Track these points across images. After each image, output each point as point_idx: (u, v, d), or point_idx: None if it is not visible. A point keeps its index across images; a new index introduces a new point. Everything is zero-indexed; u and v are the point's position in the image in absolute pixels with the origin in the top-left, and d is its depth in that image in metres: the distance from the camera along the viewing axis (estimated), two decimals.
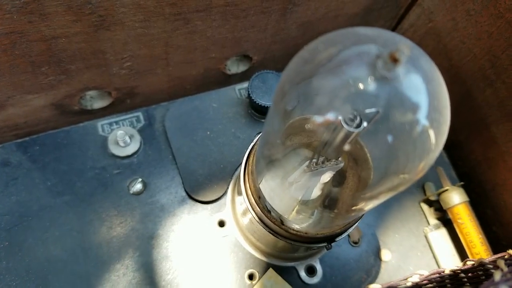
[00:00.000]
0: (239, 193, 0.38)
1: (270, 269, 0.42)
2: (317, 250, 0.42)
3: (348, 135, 0.25)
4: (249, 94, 0.46)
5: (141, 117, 0.49)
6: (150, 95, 0.51)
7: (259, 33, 0.48)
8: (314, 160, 0.29)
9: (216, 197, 0.45)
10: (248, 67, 0.54)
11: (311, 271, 0.44)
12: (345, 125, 0.24)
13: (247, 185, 0.34)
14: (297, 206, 0.33)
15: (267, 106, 0.46)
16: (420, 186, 0.51)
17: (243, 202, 0.35)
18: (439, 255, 0.46)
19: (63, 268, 0.41)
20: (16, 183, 0.45)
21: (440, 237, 0.48)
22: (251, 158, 0.35)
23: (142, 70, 0.46)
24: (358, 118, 0.23)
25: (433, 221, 0.49)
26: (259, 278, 0.42)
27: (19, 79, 0.41)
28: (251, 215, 0.34)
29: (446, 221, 0.49)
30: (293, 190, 0.32)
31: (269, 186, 0.32)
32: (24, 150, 0.46)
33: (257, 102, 0.46)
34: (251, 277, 0.43)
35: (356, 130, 0.24)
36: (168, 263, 0.43)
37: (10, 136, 0.48)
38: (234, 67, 0.54)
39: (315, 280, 0.43)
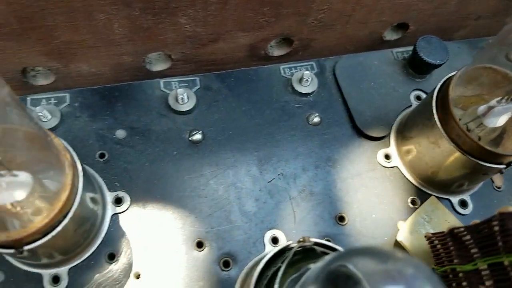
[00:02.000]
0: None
1: (432, 197, 0.50)
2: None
3: None
4: (415, 52, 0.54)
5: (314, 66, 0.58)
6: (319, 50, 0.60)
7: (425, 3, 0.56)
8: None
9: (383, 135, 0.53)
10: (401, 36, 0.62)
11: (463, 203, 0.51)
12: None
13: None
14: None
15: (431, 64, 0.54)
16: None
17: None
18: None
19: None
20: (217, 105, 0.54)
21: None
22: None
23: (327, 24, 0.55)
24: None
25: None
26: (420, 204, 0.50)
27: (244, 15, 0.50)
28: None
29: None
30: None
31: None
32: (222, 80, 0.55)
33: (423, 59, 0.54)
34: (413, 202, 0.50)
35: None
36: (340, 183, 0.51)
37: (203, 70, 0.57)
38: (389, 35, 0.62)
39: (466, 211, 0.51)
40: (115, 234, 0.46)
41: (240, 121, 0.53)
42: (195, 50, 0.53)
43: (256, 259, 0.46)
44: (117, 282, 0.45)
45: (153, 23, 0.47)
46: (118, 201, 0.47)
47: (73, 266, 0.45)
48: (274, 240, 0.48)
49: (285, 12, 0.51)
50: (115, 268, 0.45)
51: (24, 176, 0.34)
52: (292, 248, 0.35)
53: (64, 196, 0.35)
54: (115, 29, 0.47)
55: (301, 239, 0.35)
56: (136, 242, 0.46)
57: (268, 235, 0.48)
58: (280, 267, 0.34)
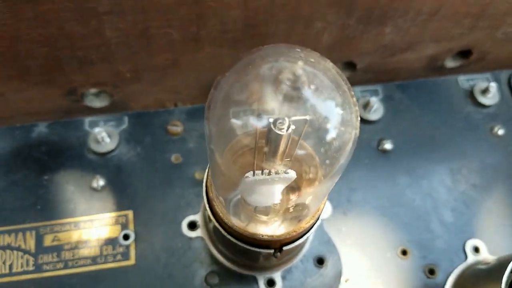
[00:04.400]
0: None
1: None
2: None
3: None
4: None
5: (490, 78, 0.58)
6: (491, 62, 0.59)
7: None
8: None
9: None
10: None
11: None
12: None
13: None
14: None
15: None
16: None
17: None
18: None
19: None
20: (401, 114, 0.54)
21: None
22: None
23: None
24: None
25: None
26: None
27: (444, 26, 0.50)
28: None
29: None
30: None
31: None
32: (402, 90, 0.56)
33: None
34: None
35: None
36: None
37: (378, 80, 0.58)
38: None
39: None
40: (321, 239, 0.47)
41: (426, 131, 0.53)
42: (382, 60, 0.54)
43: (462, 267, 0.46)
44: (329, 287, 0.45)
45: (360, 33, 0.48)
46: None
47: (285, 270, 0.45)
48: (476, 250, 0.47)
49: (481, 24, 0.51)
50: (325, 272, 0.46)
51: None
52: None
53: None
54: (323, 38, 0.48)
55: None
56: (341, 247, 0.47)
57: (469, 245, 0.48)
58: None
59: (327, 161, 0.29)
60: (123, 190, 0.48)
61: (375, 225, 0.48)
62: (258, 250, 0.37)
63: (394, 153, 0.52)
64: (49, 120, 0.50)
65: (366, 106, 0.53)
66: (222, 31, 0.44)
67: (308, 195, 0.35)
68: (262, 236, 0.35)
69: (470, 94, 0.56)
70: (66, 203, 0.46)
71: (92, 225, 0.46)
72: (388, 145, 0.52)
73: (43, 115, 0.50)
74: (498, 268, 0.39)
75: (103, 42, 0.41)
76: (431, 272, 0.47)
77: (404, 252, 0.47)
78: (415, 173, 0.51)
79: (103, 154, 0.49)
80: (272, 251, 0.37)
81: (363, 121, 0.53)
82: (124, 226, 0.46)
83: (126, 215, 0.46)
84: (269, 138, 0.28)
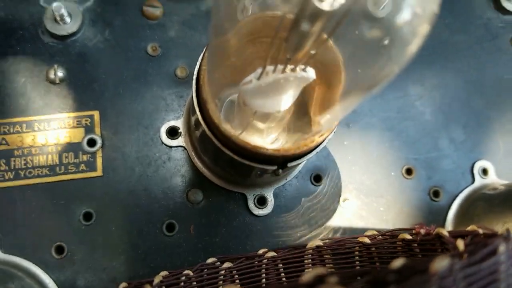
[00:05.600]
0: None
1: None
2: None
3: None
4: None
5: None
6: None
7: None
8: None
9: None
10: None
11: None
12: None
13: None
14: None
15: None
16: None
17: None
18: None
19: None
20: None
21: None
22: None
23: None
24: None
25: None
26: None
27: None
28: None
29: None
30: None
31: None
32: None
33: None
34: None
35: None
36: None
37: None
38: None
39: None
40: (320, 153, 0.41)
41: (443, 36, 0.47)
42: None
43: (468, 190, 0.43)
44: (326, 208, 0.40)
45: None
46: None
47: (278, 187, 0.40)
48: (484, 172, 0.43)
49: None
50: (323, 191, 0.40)
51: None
52: None
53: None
54: None
55: None
56: (342, 163, 0.41)
57: (477, 166, 0.43)
58: None
59: (380, 63, 0.22)
60: (87, 85, 0.39)
61: (380, 140, 0.43)
62: (259, 166, 0.30)
63: None
64: None
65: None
66: None
67: (325, 109, 0.28)
68: (267, 150, 0.28)
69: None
70: (17, 98, 0.37)
71: (49, 127, 0.37)
72: None
73: None
74: (509, 196, 0.36)
75: None
76: (436, 194, 0.43)
77: (409, 171, 0.43)
78: (427, 83, 0.45)
79: (62, 38, 0.39)
80: (274, 167, 0.30)
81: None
82: (89, 129, 0.38)
83: (91, 116, 0.38)
84: (300, 15, 0.20)
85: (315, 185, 0.41)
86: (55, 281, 0.34)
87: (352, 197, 0.41)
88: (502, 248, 0.19)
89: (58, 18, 0.37)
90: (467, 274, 0.18)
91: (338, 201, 0.41)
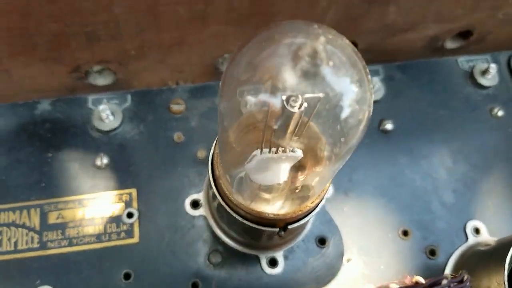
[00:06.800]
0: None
1: None
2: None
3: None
4: None
5: (489, 59, 0.58)
6: (491, 44, 0.59)
7: None
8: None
9: None
10: None
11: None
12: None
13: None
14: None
15: None
16: None
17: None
18: None
19: None
20: (402, 95, 0.54)
21: None
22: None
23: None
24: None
25: None
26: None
27: (447, 5, 0.50)
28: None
29: None
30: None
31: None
32: (403, 71, 0.56)
33: None
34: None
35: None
36: None
37: (378, 60, 0.57)
38: None
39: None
40: (323, 219, 0.47)
41: (427, 111, 0.54)
42: (384, 40, 0.54)
43: (462, 248, 0.47)
44: (331, 267, 0.46)
45: (365, 12, 0.48)
46: None
47: (287, 249, 0.46)
48: (476, 231, 0.48)
49: (482, 5, 0.51)
50: (327, 252, 0.46)
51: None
52: None
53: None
54: (328, 17, 0.48)
55: None
56: (343, 228, 0.47)
57: (470, 226, 0.48)
58: None
59: (340, 140, 0.29)
60: (126, 168, 0.47)
61: (376, 205, 0.49)
62: (263, 228, 0.37)
63: (395, 133, 0.52)
64: (52, 98, 0.50)
65: None
66: (228, 9, 0.43)
67: (315, 176, 0.35)
68: (268, 214, 0.35)
69: (470, 75, 0.56)
70: (70, 181, 0.46)
71: (96, 203, 0.46)
72: (389, 125, 0.52)
73: (47, 92, 0.49)
74: (500, 250, 0.40)
75: (111, 18, 0.41)
76: (432, 253, 0.47)
77: (405, 233, 0.48)
78: (415, 153, 0.51)
79: (106, 132, 0.48)
80: (277, 229, 0.37)
81: None
82: (128, 204, 0.46)
83: (129, 193, 0.46)
84: (281, 115, 0.28)
85: (320, 247, 0.47)
86: None
87: (355, 257, 0.47)
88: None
89: (103, 117, 0.47)
90: None
91: (342, 261, 0.46)
